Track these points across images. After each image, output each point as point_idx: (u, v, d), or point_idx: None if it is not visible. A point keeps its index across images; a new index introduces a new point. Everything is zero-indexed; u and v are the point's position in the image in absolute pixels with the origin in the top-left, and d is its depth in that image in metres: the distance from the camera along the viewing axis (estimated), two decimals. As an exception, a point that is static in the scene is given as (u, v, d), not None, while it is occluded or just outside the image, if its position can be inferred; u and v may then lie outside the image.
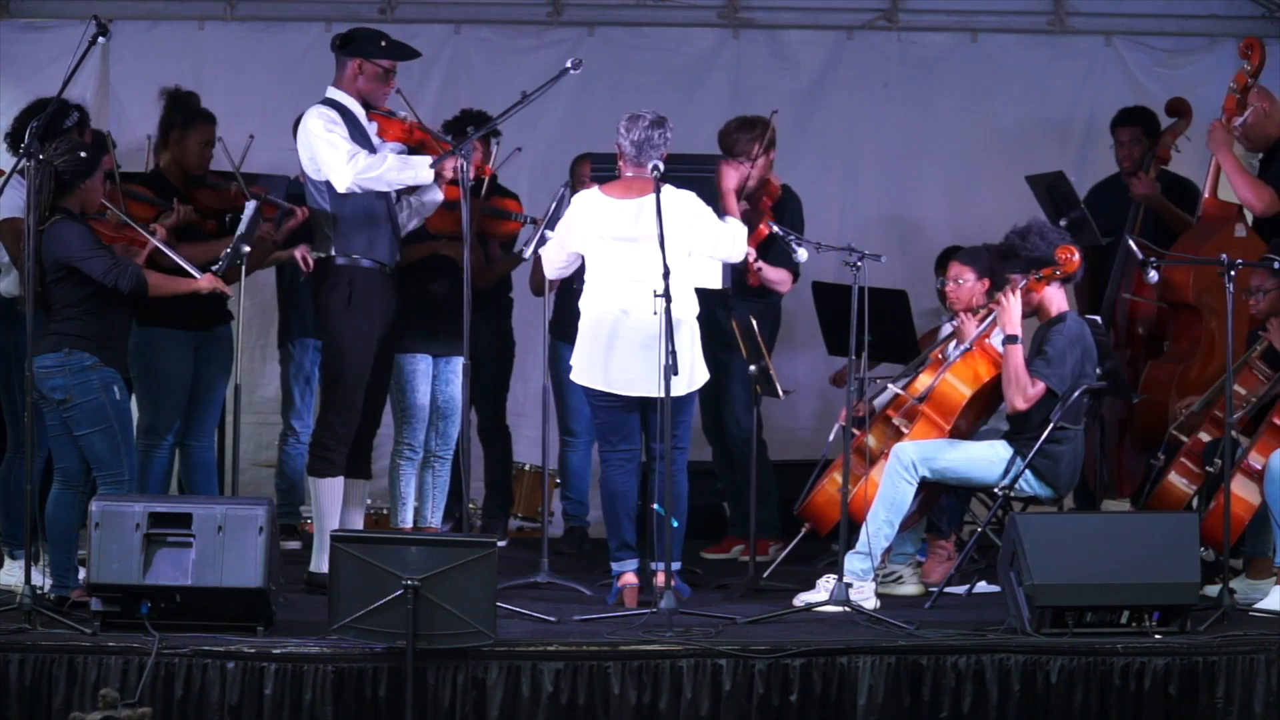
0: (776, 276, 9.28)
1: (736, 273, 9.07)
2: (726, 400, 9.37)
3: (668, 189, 8.03)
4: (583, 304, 8.24)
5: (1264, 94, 9.24)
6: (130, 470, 7.88)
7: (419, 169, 8.25)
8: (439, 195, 8.56)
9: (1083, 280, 9.17)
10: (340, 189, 8.19)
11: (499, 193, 9.56)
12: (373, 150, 8.34)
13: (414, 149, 8.46)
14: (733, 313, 8.79)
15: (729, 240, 8.32)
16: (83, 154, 7.81)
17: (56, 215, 7.72)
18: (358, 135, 8.33)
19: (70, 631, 7.29)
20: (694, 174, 8.48)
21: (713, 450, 9.70)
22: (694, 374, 8.15)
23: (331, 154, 8.19)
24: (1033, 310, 8.45)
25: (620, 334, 8.06)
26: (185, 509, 7.41)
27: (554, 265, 8.39)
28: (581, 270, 8.35)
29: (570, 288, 8.97)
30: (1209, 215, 9.44)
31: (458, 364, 9.00)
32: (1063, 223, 9.05)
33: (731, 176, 8.84)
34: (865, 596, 8.12)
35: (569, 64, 8.32)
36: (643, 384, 7.99)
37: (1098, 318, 8.96)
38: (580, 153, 9.70)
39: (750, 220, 9.20)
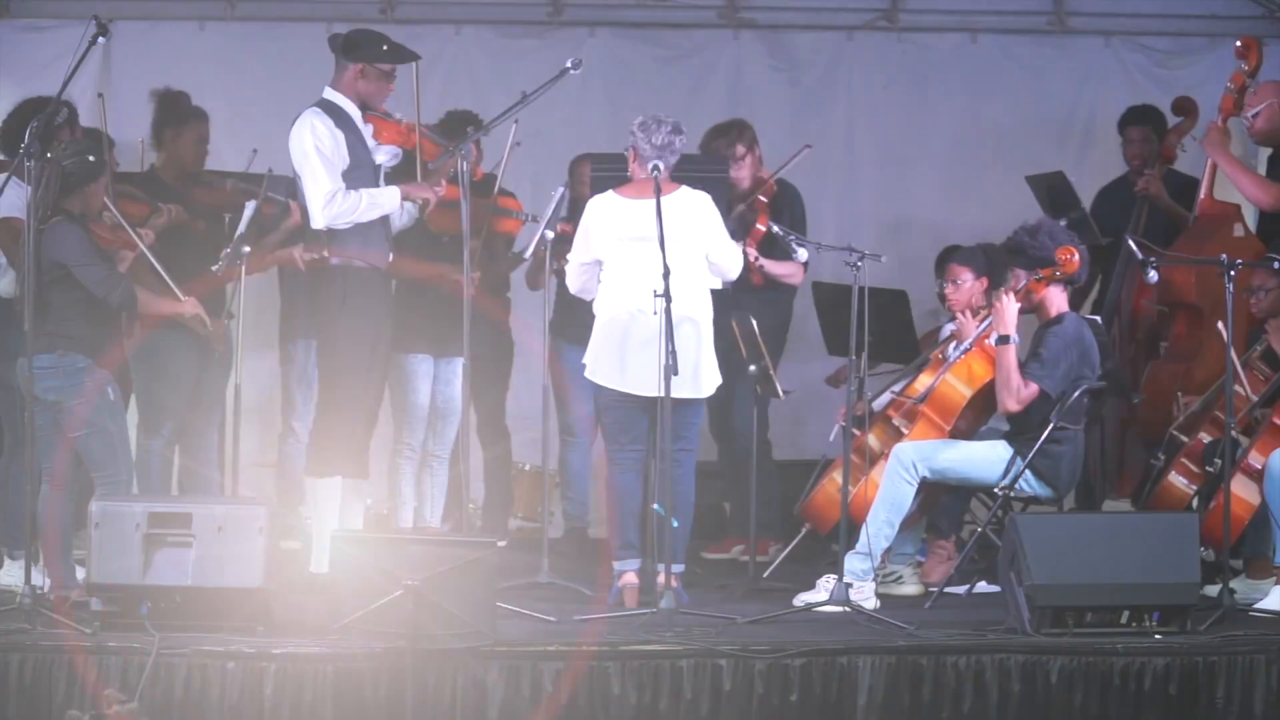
0: (784, 270, 9.28)
1: (741, 273, 9.07)
2: (735, 400, 9.36)
3: (685, 189, 8.05)
4: (598, 304, 8.21)
5: (1272, 88, 9.19)
6: (127, 471, 7.90)
7: (388, 203, 8.40)
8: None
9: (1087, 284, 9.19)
10: (313, 226, 8.28)
11: (500, 191, 9.55)
12: (366, 151, 8.38)
13: (410, 151, 8.48)
14: (733, 314, 8.79)
15: (729, 253, 8.31)
16: (91, 157, 7.84)
17: (57, 216, 7.73)
18: (353, 139, 8.34)
19: (70, 631, 7.30)
20: (700, 174, 8.48)
21: (719, 450, 9.70)
22: (702, 377, 8.11)
23: (312, 188, 8.31)
24: (1032, 308, 8.44)
25: (637, 334, 8.05)
26: (185, 509, 7.41)
27: (577, 282, 8.34)
28: None
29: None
30: (1208, 215, 9.42)
31: (458, 364, 8.99)
32: (1062, 223, 9.03)
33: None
34: (865, 596, 8.12)
35: (569, 63, 8.32)
36: (658, 385, 8.00)
37: (1097, 318, 8.95)
38: (580, 153, 9.69)
39: (747, 219, 9.21)
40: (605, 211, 8.18)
